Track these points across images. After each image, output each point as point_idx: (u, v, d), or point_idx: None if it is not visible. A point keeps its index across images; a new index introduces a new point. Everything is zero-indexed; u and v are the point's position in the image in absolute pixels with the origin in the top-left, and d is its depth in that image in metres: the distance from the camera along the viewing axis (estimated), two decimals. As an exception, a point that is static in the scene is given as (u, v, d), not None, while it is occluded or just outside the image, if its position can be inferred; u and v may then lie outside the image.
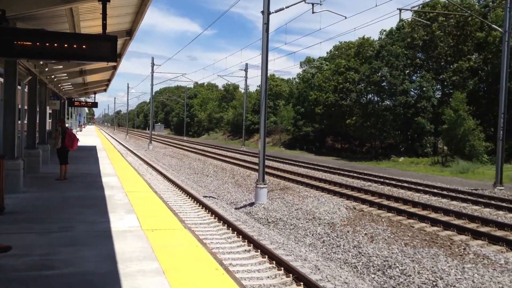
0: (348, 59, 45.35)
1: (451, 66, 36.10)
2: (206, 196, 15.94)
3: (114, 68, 18.27)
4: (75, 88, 25.20)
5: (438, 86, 38.54)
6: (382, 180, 20.38)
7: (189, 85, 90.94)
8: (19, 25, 8.30)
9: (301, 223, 12.04)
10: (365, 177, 21.50)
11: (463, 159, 27.57)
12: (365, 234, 10.74)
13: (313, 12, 16.27)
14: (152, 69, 43.41)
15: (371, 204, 14.45)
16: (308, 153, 43.77)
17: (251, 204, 14.60)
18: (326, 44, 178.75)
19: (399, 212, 13.17)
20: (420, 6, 32.33)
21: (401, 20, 30.79)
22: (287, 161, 30.38)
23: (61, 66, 13.88)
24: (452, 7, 33.50)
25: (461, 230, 11.02)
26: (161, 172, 21.78)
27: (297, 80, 56.60)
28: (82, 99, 33.56)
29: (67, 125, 15.58)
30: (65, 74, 16.94)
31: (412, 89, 37.10)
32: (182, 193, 16.09)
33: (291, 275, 7.44)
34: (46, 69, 13.63)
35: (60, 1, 6.80)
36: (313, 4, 16.10)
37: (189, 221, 11.25)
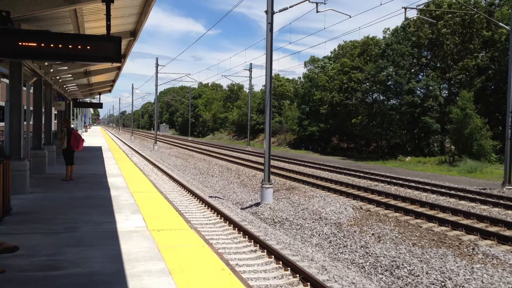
0: (353, 58, 45.17)
1: (458, 65, 35.85)
2: (211, 196, 15.92)
3: (119, 68, 18.31)
4: (80, 89, 25.29)
5: (445, 85, 38.29)
6: (389, 179, 20.25)
7: (194, 85, 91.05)
8: (24, 26, 8.30)
9: (308, 223, 11.98)
10: (372, 176, 21.37)
11: (471, 158, 27.30)
12: (372, 234, 10.66)
13: (317, 11, 16.18)
14: (157, 70, 43.50)
15: (378, 204, 14.34)
16: (314, 153, 43.62)
17: (257, 204, 14.56)
18: (330, 43, 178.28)
19: (407, 212, 13.07)
20: (425, 4, 32.10)
21: (406, 18, 30.57)
22: (292, 161, 30.30)
23: (66, 67, 13.92)
24: (457, 5, 33.25)
25: (469, 230, 10.91)
26: (166, 173, 21.79)
27: (302, 80, 56.42)
28: (87, 99, 33.69)
29: (72, 125, 15.62)
30: (70, 75, 16.98)
31: (418, 88, 36.88)
32: (188, 193, 16.08)
33: (298, 275, 7.40)
34: (51, 70, 13.67)
35: (64, 2, 6.78)
36: (317, 3, 16.01)
37: (195, 222, 11.24)
